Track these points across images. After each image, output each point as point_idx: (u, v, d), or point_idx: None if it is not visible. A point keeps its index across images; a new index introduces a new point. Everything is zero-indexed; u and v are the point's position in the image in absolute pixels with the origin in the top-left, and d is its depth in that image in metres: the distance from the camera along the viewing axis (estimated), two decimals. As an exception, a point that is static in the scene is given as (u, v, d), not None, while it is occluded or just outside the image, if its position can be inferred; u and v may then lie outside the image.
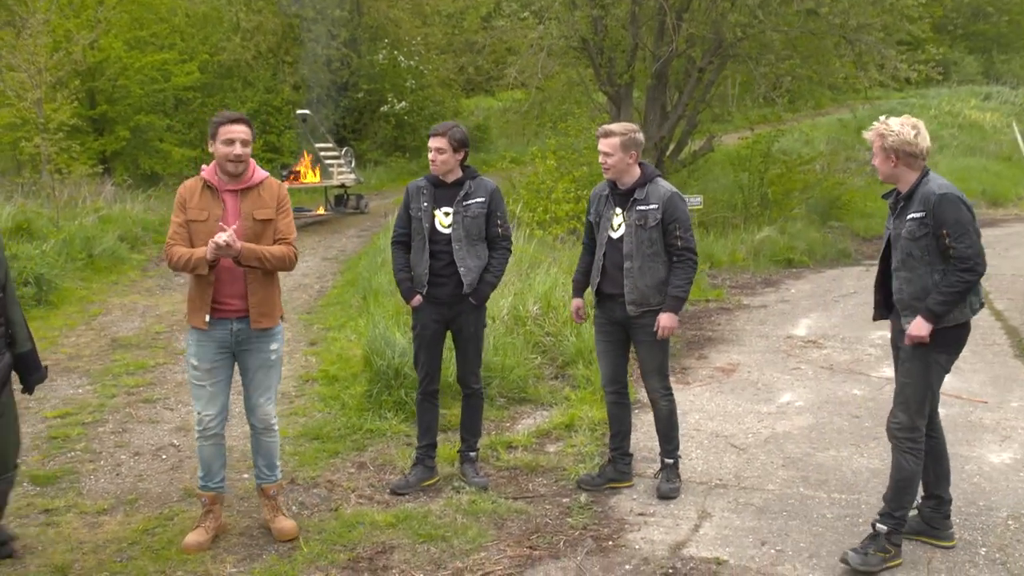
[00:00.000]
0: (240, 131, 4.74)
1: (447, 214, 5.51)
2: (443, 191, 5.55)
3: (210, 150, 4.79)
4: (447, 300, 5.56)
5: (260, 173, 4.92)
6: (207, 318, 4.79)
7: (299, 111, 22.18)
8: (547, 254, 11.74)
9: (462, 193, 5.51)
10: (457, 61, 28.43)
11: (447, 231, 5.49)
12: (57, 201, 15.67)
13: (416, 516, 5.16)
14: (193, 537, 4.87)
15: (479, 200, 5.51)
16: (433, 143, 5.46)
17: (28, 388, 4.80)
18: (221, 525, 5.04)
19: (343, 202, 21.45)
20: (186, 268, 4.75)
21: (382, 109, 29.59)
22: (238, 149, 4.72)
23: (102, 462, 6.20)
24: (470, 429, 5.85)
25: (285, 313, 10.52)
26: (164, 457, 6.26)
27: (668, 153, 18.27)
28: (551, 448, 6.42)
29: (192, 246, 4.77)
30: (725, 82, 21.10)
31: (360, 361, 7.89)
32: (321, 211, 20.73)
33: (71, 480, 5.88)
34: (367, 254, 14.45)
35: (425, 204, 5.54)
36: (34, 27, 15.83)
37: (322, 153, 21.58)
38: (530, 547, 4.84)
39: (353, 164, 22.51)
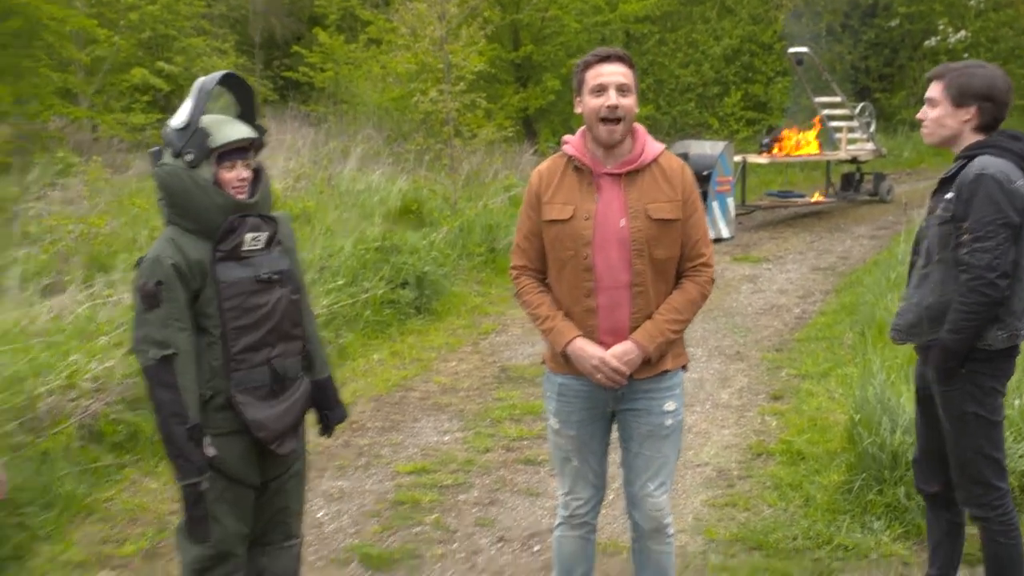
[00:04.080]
0: (616, 72, 4.51)
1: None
2: None
3: (577, 110, 4.63)
4: None
5: (654, 146, 4.66)
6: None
7: (793, 49, 21.89)
8: None
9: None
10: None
11: None
12: (458, 176, 16.70)
13: None
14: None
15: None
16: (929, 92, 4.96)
17: (327, 429, 5.10)
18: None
19: (854, 184, 20.91)
20: (535, 324, 4.74)
21: (928, 43, 28.53)
22: (612, 98, 4.47)
23: (455, 545, 6.37)
24: None
25: (745, 348, 10.61)
26: (536, 549, 6.29)
27: None
28: None
29: (550, 257, 4.65)
30: None
31: (842, 433, 7.47)
32: (818, 197, 20.38)
33: (410, 567, 6.10)
34: (878, 265, 13.90)
35: None
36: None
37: (826, 111, 21.16)
38: None
39: (874, 128, 21.86)
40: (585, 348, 4.52)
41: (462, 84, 16.64)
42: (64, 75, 21.39)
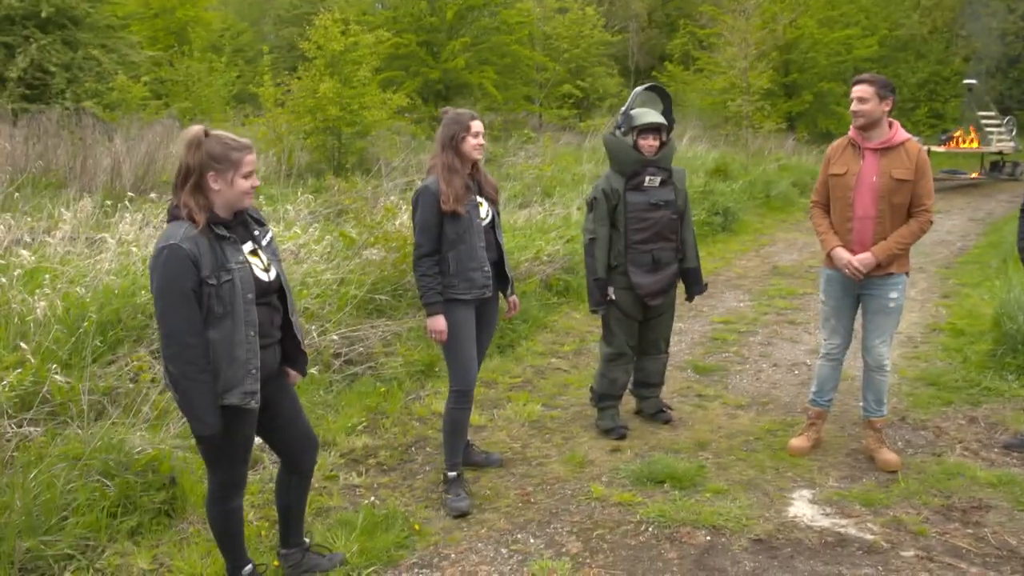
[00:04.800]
0: (858, 90, 4.27)
1: None
2: None
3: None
4: None
5: (902, 135, 4.35)
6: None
7: (966, 80, 19.64)
8: None
9: None
10: None
11: None
12: (748, 150, 16.08)
13: (1020, 481, 4.27)
14: (797, 442, 4.69)
15: None
16: None
17: (689, 297, 5.08)
18: (820, 438, 4.78)
19: (998, 168, 18.70)
20: (817, 235, 4.56)
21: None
22: (854, 106, 4.28)
23: (747, 366, 6.25)
24: None
25: (925, 265, 9.78)
26: (796, 372, 6.08)
27: None
28: None
29: (831, 199, 4.47)
30: None
31: (989, 320, 6.75)
32: (975, 175, 18.34)
33: (721, 375, 6.03)
34: (1014, 218, 12.37)
35: None
36: (749, 11, 16.16)
37: (983, 121, 18.98)
38: None
39: (1013, 132, 19.42)
40: (841, 253, 4.37)
41: (757, 96, 15.95)
42: (527, 87, 21.86)
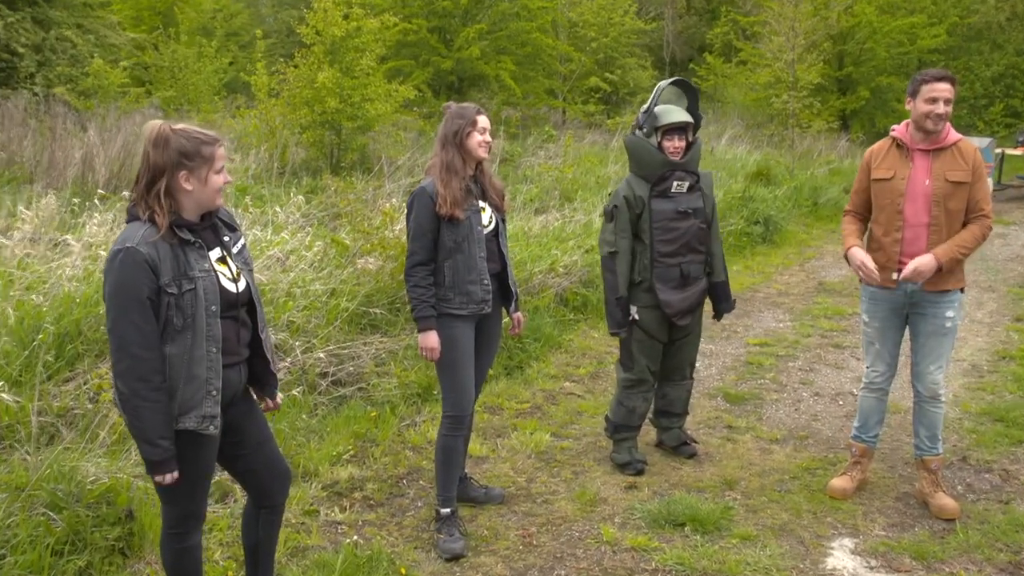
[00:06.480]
0: (945, 89, 4.16)
1: None
2: None
3: (907, 107, 4.32)
4: None
5: (954, 134, 4.29)
6: (894, 275, 4.35)
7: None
8: None
9: None
10: None
11: None
12: (795, 152, 16.00)
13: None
14: (838, 482, 4.59)
15: None
16: None
17: (718, 315, 5.00)
18: (865, 479, 4.68)
19: (1084, 174, 18.40)
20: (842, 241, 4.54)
21: None
22: (940, 108, 4.15)
23: (785, 394, 6.14)
24: None
25: (995, 283, 9.63)
26: (841, 403, 5.97)
27: None
28: None
29: (874, 205, 4.41)
30: None
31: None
32: (1055, 182, 18.07)
33: (755, 404, 5.93)
34: (1099, 232, 12.22)
35: None
36: (798, -5, 16.12)
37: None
38: None
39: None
40: (856, 253, 4.34)
41: (805, 92, 15.88)
42: (549, 80, 21.87)
